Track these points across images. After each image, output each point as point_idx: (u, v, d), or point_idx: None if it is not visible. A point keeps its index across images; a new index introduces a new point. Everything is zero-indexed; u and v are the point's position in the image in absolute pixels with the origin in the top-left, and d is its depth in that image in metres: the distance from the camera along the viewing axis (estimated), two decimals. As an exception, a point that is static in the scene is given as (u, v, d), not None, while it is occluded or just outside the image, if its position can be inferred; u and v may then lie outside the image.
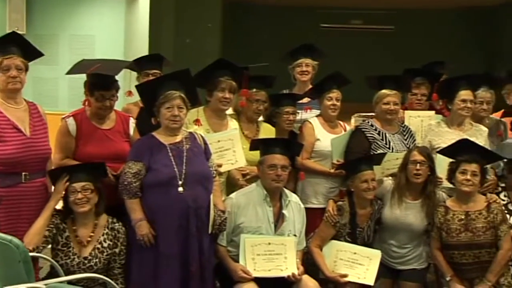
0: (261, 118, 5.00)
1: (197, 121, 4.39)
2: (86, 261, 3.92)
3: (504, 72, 5.60)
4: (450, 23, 10.72)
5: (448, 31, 10.67)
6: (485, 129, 4.92)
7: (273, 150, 4.22)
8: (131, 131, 4.41)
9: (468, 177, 4.26)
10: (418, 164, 4.37)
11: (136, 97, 4.46)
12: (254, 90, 4.78)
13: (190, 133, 4.14)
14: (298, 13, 10.75)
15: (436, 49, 9.36)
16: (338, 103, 4.94)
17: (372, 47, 10.65)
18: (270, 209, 4.21)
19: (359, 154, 4.69)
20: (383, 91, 4.80)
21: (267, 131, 4.82)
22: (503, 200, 4.51)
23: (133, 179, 3.91)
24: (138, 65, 4.94)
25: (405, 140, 4.86)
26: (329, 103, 4.92)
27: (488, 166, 4.49)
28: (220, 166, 4.34)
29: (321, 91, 4.96)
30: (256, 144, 4.39)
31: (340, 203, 4.45)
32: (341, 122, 5.12)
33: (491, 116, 5.20)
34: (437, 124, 4.92)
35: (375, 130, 4.82)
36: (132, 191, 3.91)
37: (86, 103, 4.28)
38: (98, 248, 3.95)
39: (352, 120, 5.84)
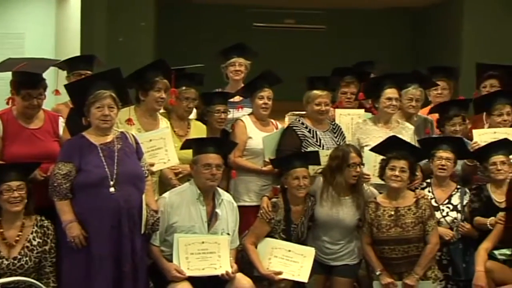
0: (193, 116, 5.00)
1: (129, 121, 4.34)
2: (16, 261, 3.84)
3: (425, 70, 5.77)
4: (380, 23, 10.92)
5: (379, 31, 10.86)
6: (411, 127, 5.04)
7: (206, 149, 4.23)
8: (61, 131, 4.32)
9: (397, 173, 4.37)
10: (357, 167, 4.45)
11: (65, 97, 4.37)
12: (184, 88, 4.77)
13: (122, 132, 4.09)
14: (231, 12, 10.73)
15: (367, 48, 9.52)
16: (270, 102, 4.98)
17: (304, 47, 10.74)
18: (204, 208, 4.21)
19: (290, 152, 4.73)
20: (314, 91, 4.86)
21: (198, 129, 4.81)
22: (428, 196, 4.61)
23: (63, 180, 3.84)
24: (69, 65, 4.84)
25: (336, 138, 4.93)
26: (261, 102, 4.95)
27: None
28: (152, 165, 4.32)
29: (253, 90, 4.99)
30: (188, 144, 4.38)
31: (274, 200, 4.49)
32: (273, 121, 5.16)
33: (418, 113, 5.33)
34: (365, 122, 5.01)
35: (306, 128, 4.88)
36: (62, 192, 3.84)
37: (10, 102, 4.18)
38: (27, 247, 3.88)
39: (286, 119, 5.89)
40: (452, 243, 4.58)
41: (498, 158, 4.56)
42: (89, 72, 4.75)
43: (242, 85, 5.28)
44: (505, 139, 4.66)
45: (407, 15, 11.18)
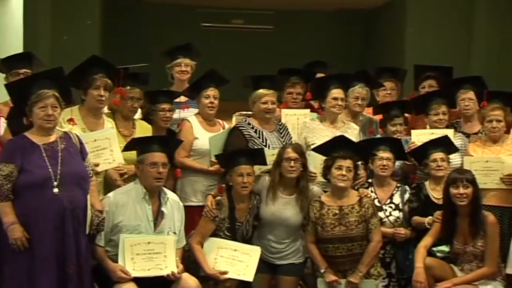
0: (138, 116, 4.97)
1: (71, 120, 4.29)
2: None
3: (373, 71, 5.88)
4: (327, 24, 11.06)
5: (326, 32, 11.00)
6: (357, 127, 5.14)
7: (151, 148, 4.20)
8: (2, 131, 4.23)
9: (344, 172, 4.44)
10: (292, 162, 4.49)
11: (5, 96, 4.28)
12: (128, 87, 4.75)
13: (65, 132, 4.04)
14: (179, 12, 10.70)
15: (315, 49, 9.62)
16: (216, 101, 4.99)
17: (252, 47, 10.79)
18: (149, 207, 4.19)
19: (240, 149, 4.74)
20: (260, 90, 4.90)
21: (143, 129, 4.79)
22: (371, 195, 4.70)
23: (5, 181, 3.77)
24: (6, 64, 4.73)
25: (282, 138, 4.98)
26: (207, 101, 4.96)
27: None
28: (97, 165, 4.28)
29: (199, 89, 5.00)
30: (132, 144, 4.34)
31: (219, 197, 4.50)
32: (219, 121, 5.17)
33: (363, 113, 5.44)
34: (312, 122, 5.08)
35: (252, 128, 4.91)
36: (3, 193, 3.77)
37: None
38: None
39: (233, 119, 5.90)
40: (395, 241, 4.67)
41: (438, 155, 4.69)
42: (28, 71, 4.67)
43: (187, 85, 5.28)
44: (445, 136, 4.80)
45: (354, 17, 11.35)
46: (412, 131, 5.08)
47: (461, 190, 4.32)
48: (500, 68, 7.76)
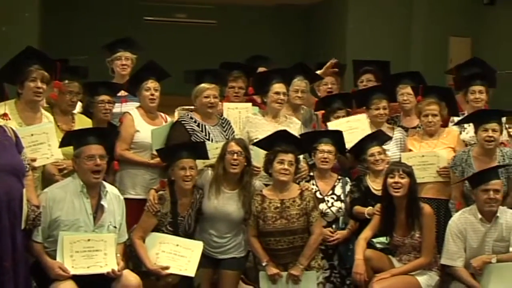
0: (78, 110, 4.88)
1: (4, 115, 4.18)
2: None
3: (313, 66, 5.94)
4: (270, 19, 11.12)
5: (269, 27, 11.06)
6: (298, 122, 5.18)
7: (88, 140, 4.11)
8: None
9: (286, 166, 4.46)
10: (235, 155, 4.49)
11: None
12: (67, 81, 4.65)
13: (-1, 126, 3.93)
14: (121, 5, 10.58)
15: (257, 44, 9.66)
16: (157, 93, 4.94)
17: (195, 41, 10.76)
18: (88, 200, 4.10)
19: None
20: (202, 85, 4.88)
21: (83, 123, 4.70)
22: (312, 189, 4.74)
23: None
24: None
25: (225, 132, 4.98)
26: (147, 93, 4.91)
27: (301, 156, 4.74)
28: (34, 160, 4.17)
29: (139, 82, 4.94)
30: (68, 138, 4.24)
31: (161, 192, 4.47)
32: (162, 114, 5.12)
33: (304, 107, 5.48)
34: (254, 116, 5.09)
35: (195, 122, 4.89)
36: None
37: None
38: None
39: (176, 113, 5.86)
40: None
41: (375, 149, 4.77)
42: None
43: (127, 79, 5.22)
44: (378, 131, 4.89)
45: (296, 12, 11.45)
46: (329, 124, 5.15)
47: (397, 179, 4.40)
48: (437, 63, 7.94)
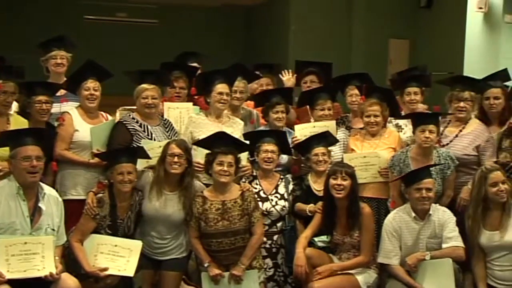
0: (15, 110, 4.78)
1: None
2: None
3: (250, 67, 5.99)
4: (212, 19, 11.10)
5: (212, 27, 11.04)
6: (241, 122, 5.20)
7: (24, 141, 4.02)
8: None
9: (225, 168, 4.46)
10: (176, 157, 4.47)
11: None
12: (1, 81, 4.57)
13: None
14: (61, 4, 10.38)
15: (199, 44, 9.62)
16: (97, 93, 4.89)
17: (137, 41, 10.65)
18: (24, 202, 4.01)
19: (121, 147, 4.69)
20: (142, 85, 4.86)
21: (18, 124, 4.60)
22: (255, 188, 4.80)
23: None
24: None
25: (167, 132, 4.96)
26: (87, 93, 4.85)
27: (242, 154, 4.74)
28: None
29: (78, 81, 4.87)
30: (3, 139, 4.13)
31: (100, 195, 4.41)
32: (102, 113, 5.06)
33: (243, 106, 5.51)
34: (197, 117, 5.09)
35: (137, 122, 4.86)
36: None
37: None
38: None
39: (117, 114, 5.79)
40: (286, 230, 4.78)
41: (320, 149, 4.83)
42: None
43: (64, 78, 5.15)
44: (326, 132, 4.95)
45: (238, 12, 11.46)
46: (295, 126, 5.19)
47: (339, 181, 4.47)
48: (378, 64, 8.10)
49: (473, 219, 4.41)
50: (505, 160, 4.70)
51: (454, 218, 4.48)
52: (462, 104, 4.95)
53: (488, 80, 5.22)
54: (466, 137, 4.92)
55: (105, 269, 4.28)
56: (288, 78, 5.88)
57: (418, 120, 4.75)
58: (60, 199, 4.26)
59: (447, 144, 4.92)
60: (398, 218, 4.52)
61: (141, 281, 4.57)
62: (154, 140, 4.81)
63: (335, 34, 9.51)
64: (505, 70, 5.50)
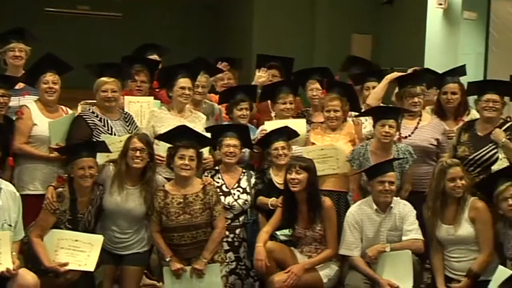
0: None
1: None
2: None
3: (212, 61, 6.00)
4: (176, 12, 11.04)
5: (176, 22, 10.98)
6: (204, 116, 5.20)
7: None
8: None
9: (186, 162, 4.45)
10: (138, 151, 4.45)
11: None
12: None
13: None
14: (21, -5, 10.22)
15: (164, 37, 9.56)
16: (56, 87, 4.82)
17: (100, 34, 10.54)
18: (-21, 199, 3.96)
19: (80, 141, 4.64)
20: (102, 78, 4.83)
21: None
22: (217, 182, 4.80)
23: None
24: None
25: (128, 126, 4.93)
26: (45, 86, 4.79)
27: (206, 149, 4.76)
28: None
29: (36, 74, 4.81)
30: None
31: (59, 189, 4.37)
32: (62, 107, 5.00)
33: (206, 100, 5.51)
34: (159, 111, 5.07)
35: (97, 117, 4.82)
36: None
37: None
38: None
39: (79, 108, 5.74)
40: (249, 224, 4.81)
41: (279, 144, 4.86)
42: None
43: (22, 71, 5.07)
44: (285, 126, 4.98)
45: (203, 6, 11.42)
46: (266, 122, 5.17)
47: (293, 175, 4.51)
48: (340, 59, 8.14)
49: (432, 211, 4.48)
50: (464, 154, 4.80)
51: (414, 212, 4.54)
52: (416, 99, 5.03)
53: (446, 75, 5.33)
54: (425, 128, 5.02)
55: (65, 264, 4.25)
56: (260, 75, 5.87)
57: (378, 115, 4.81)
58: (17, 194, 4.21)
59: (409, 135, 4.99)
60: (359, 210, 4.57)
61: (102, 276, 4.55)
62: (114, 134, 4.78)
63: (298, 29, 9.55)
64: (463, 66, 5.61)
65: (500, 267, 4.20)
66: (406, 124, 5.03)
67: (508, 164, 4.64)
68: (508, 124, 4.82)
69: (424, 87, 5.16)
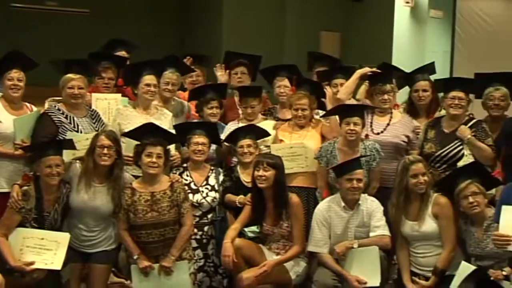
0: None
1: None
2: None
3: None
4: (145, 9, 10.95)
5: (145, 17, 10.89)
6: (170, 113, 5.18)
7: None
8: None
9: (154, 159, 4.44)
10: (106, 149, 4.41)
11: None
12: None
13: None
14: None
15: (133, 34, 9.49)
16: (21, 84, 4.75)
17: (67, 30, 10.41)
18: None
19: (46, 139, 4.60)
20: (68, 75, 4.78)
21: None
22: (186, 180, 4.79)
23: None
24: None
25: (94, 123, 4.89)
26: (10, 83, 4.72)
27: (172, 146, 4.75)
28: None
29: (1, 71, 4.73)
30: None
31: (25, 188, 4.31)
32: (27, 104, 4.92)
33: (175, 98, 5.49)
34: (125, 108, 5.05)
35: (63, 114, 4.78)
36: None
37: None
38: None
39: (46, 105, 5.67)
40: (217, 221, 4.80)
41: (245, 141, 4.87)
42: None
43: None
44: (251, 124, 4.99)
45: (173, 2, 11.34)
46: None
47: (261, 172, 4.52)
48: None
49: (396, 208, 4.53)
50: (430, 150, 4.85)
51: (382, 208, 4.58)
52: (386, 96, 5.07)
53: (417, 73, 5.39)
54: (397, 125, 5.07)
55: (31, 263, 4.20)
56: (221, 74, 5.88)
57: (343, 113, 4.84)
58: (-19, 193, 4.15)
59: (382, 132, 5.03)
60: (328, 207, 4.60)
61: (69, 275, 4.51)
62: (81, 132, 4.74)
63: (267, 27, 9.56)
64: (433, 63, 5.68)
65: (464, 262, 4.26)
66: (378, 120, 5.08)
67: (473, 160, 4.71)
68: (473, 121, 4.88)
69: (395, 85, 5.20)
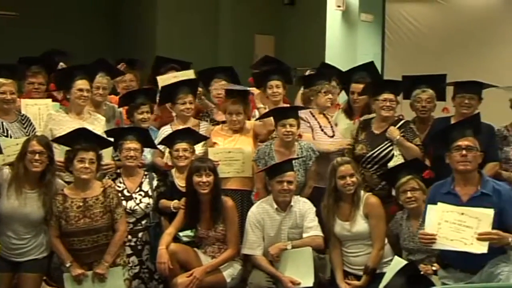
0: None
1: None
2: None
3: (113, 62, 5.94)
4: (76, 11, 10.74)
5: (75, 20, 10.69)
6: (103, 118, 5.13)
7: None
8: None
9: (86, 165, 4.38)
10: (37, 154, 4.33)
11: None
12: None
13: None
14: None
15: (63, 38, 9.33)
16: None
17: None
18: None
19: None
20: None
21: None
22: (119, 187, 4.74)
23: None
24: None
25: (25, 128, 4.81)
26: None
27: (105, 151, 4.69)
28: None
29: None
30: None
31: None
32: None
33: (107, 102, 5.45)
34: (57, 113, 4.97)
35: (-7, 119, 4.68)
36: None
37: None
38: None
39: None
40: (151, 227, 4.77)
41: (181, 145, 4.85)
42: None
43: None
44: (187, 128, 4.98)
45: (105, 6, 11.19)
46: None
47: (204, 179, 4.52)
48: (244, 60, 8.22)
49: (328, 209, 4.60)
50: (362, 152, 4.95)
51: (314, 209, 4.65)
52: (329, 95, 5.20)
53: (354, 72, 5.51)
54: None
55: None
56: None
57: (278, 115, 4.89)
58: None
59: (333, 134, 5.16)
60: (261, 209, 4.64)
61: (-2, 285, 4.40)
62: (11, 137, 4.64)
63: (202, 29, 9.56)
64: (371, 62, 5.84)
65: (396, 257, 4.39)
66: (324, 123, 5.16)
67: (403, 160, 4.83)
68: (401, 122, 5.01)
69: (336, 84, 5.31)
